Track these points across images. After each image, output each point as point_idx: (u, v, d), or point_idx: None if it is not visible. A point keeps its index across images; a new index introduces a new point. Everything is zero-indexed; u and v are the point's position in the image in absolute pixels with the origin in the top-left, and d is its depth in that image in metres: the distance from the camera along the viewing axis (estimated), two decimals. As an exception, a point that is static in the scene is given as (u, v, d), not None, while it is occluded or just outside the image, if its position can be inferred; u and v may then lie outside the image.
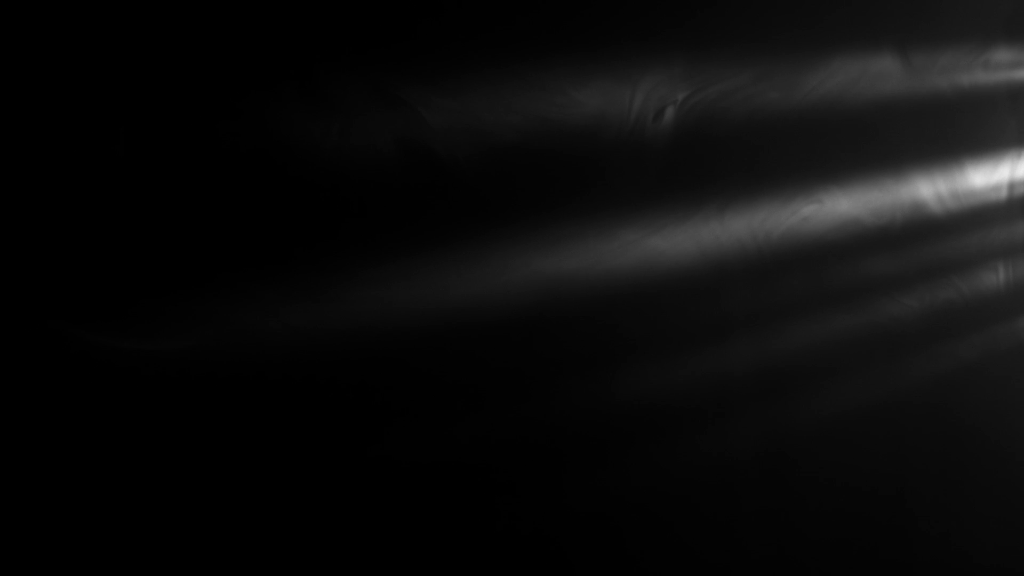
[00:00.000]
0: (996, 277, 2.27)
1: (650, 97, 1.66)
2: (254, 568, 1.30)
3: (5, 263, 1.10)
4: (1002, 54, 2.24)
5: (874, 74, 2.02)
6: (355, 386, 1.37)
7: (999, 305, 2.28)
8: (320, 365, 1.34)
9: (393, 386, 1.41)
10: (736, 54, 1.78)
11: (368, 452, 1.39)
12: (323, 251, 1.34)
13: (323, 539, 1.36)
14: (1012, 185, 2.30)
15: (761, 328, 1.89)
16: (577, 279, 1.59)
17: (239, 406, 1.27)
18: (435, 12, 1.42)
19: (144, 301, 1.19)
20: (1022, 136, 2.31)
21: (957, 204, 2.20)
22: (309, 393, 1.33)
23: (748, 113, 1.81)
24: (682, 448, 1.76)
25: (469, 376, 1.49)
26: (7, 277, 1.10)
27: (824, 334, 1.99)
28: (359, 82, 1.34)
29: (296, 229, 1.31)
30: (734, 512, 1.83)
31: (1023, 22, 2.26)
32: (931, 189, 2.16)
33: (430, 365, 1.45)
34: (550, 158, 1.55)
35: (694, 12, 1.72)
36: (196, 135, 1.21)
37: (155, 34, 1.18)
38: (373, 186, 1.37)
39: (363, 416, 1.39)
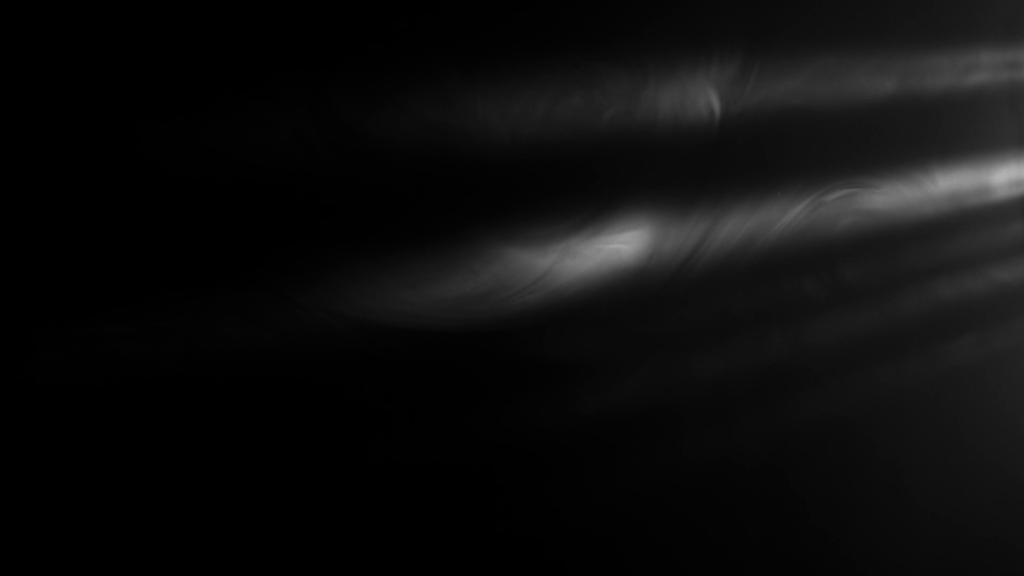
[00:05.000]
0: (994, 277, 2.28)
1: (671, 95, 1.66)
2: (250, 564, 1.30)
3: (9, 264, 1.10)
4: (1002, 54, 2.25)
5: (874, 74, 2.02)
6: (346, 388, 1.37)
7: (996, 305, 2.28)
8: (299, 366, 1.33)
9: (386, 388, 1.41)
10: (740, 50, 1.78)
11: (364, 454, 1.39)
12: (316, 253, 1.33)
13: (315, 540, 1.36)
14: (1010, 185, 2.31)
15: (763, 329, 1.89)
16: (576, 279, 1.59)
17: (235, 407, 1.27)
18: (438, 9, 1.41)
19: (146, 300, 1.19)
20: (1022, 136, 2.31)
21: (955, 205, 2.20)
22: (303, 395, 1.33)
23: (759, 111, 1.81)
24: (676, 453, 1.76)
25: (462, 378, 1.49)
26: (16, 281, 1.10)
27: (825, 334, 1.99)
28: (352, 81, 1.34)
29: (285, 231, 1.30)
30: (729, 517, 1.83)
31: (1023, 22, 2.26)
32: (938, 187, 2.16)
33: (424, 367, 1.44)
34: (547, 156, 1.55)
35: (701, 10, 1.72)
36: (195, 135, 1.21)
37: (145, 39, 1.18)
38: (366, 187, 1.37)
39: (357, 418, 1.38)
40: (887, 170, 2.08)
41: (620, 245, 1.64)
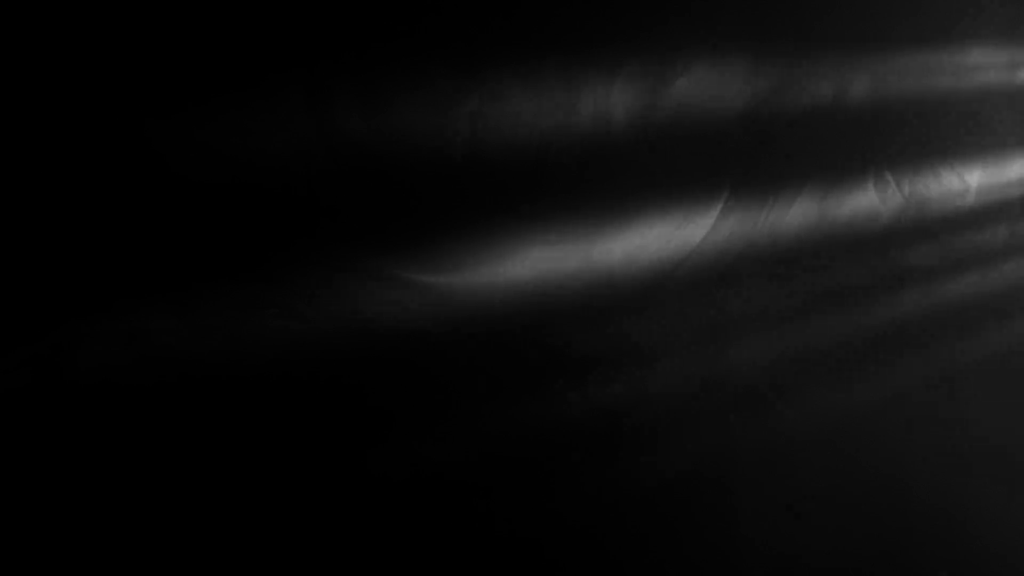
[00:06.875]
0: (996, 276, 2.27)
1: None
2: (251, 559, 1.31)
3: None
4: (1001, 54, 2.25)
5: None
6: (343, 388, 1.37)
7: (998, 304, 2.28)
8: (322, 365, 1.34)
9: (383, 389, 1.41)
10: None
11: (363, 454, 1.39)
12: (310, 254, 1.34)
13: (315, 537, 1.36)
14: (1011, 185, 2.31)
15: (769, 326, 1.88)
16: (571, 281, 1.59)
17: (238, 406, 1.28)
18: (438, 11, 1.42)
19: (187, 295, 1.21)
20: (1021, 137, 2.31)
21: (956, 203, 2.20)
22: (294, 396, 1.34)
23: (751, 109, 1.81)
24: (677, 454, 1.76)
25: (456, 381, 1.48)
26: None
27: (823, 336, 1.99)
28: (351, 83, 1.34)
29: (279, 234, 1.31)
30: (728, 519, 1.83)
31: (1022, 23, 2.26)
32: (934, 189, 2.16)
33: (417, 369, 1.44)
34: (552, 159, 1.55)
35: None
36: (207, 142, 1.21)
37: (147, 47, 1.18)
38: (367, 190, 1.37)
39: (354, 418, 1.39)
40: (897, 167, 2.09)
41: (636, 242, 1.64)
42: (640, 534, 1.70)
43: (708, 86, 1.73)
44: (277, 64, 1.29)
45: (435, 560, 1.46)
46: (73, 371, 1.15)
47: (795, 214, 1.91)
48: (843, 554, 2.00)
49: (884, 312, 2.08)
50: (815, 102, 1.92)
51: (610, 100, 1.60)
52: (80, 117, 1.14)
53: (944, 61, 2.14)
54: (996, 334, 2.26)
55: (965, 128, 2.21)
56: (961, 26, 2.17)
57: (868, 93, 2.01)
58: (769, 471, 1.89)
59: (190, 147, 1.21)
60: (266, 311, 1.28)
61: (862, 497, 2.03)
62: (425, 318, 1.42)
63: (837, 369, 2.00)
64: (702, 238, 1.75)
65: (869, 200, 2.04)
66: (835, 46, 1.94)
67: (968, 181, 2.21)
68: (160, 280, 1.21)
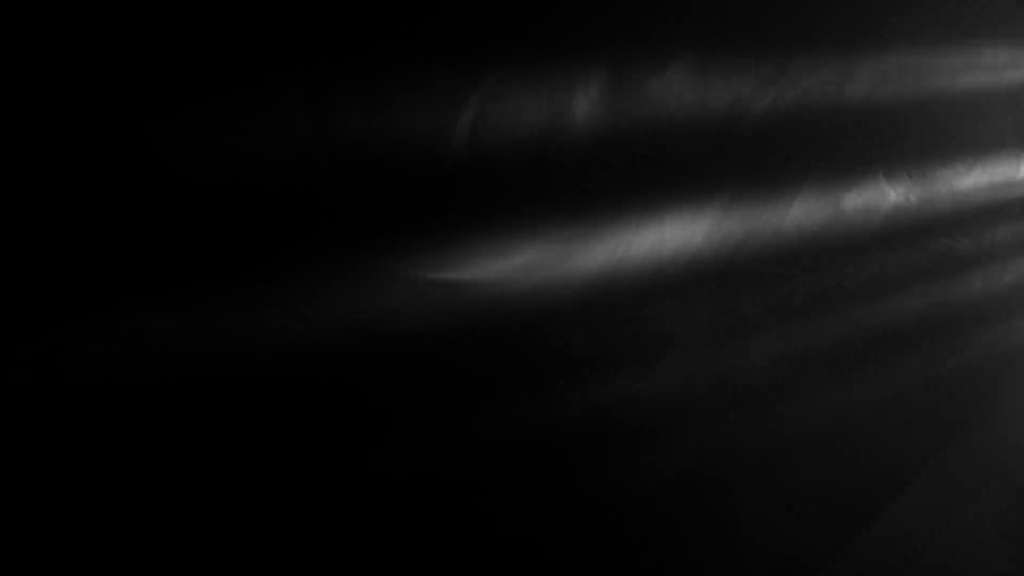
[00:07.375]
0: (997, 276, 2.27)
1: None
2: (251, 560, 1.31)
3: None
4: (1002, 54, 2.25)
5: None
6: (343, 388, 1.37)
7: (998, 305, 2.28)
8: (321, 365, 1.34)
9: (383, 389, 1.41)
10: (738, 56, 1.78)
11: (363, 454, 1.39)
12: (310, 253, 1.34)
13: (315, 537, 1.36)
14: (1011, 185, 2.31)
15: (769, 326, 1.88)
16: (571, 281, 1.59)
17: (238, 406, 1.27)
18: (439, 11, 1.42)
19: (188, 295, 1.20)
20: (1021, 137, 2.31)
21: (956, 203, 2.20)
22: (294, 396, 1.34)
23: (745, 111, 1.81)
24: (675, 454, 1.76)
25: (456, 381, 1.48)
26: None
27: (819, 339, 1.99)
28: (350, 83, 1.34)
29: (279, 234, 1.31)
30: (728, 518, 1.83)
31: (1023, 22, 2.26)
32: (934, 189, 2.16)
33: (417, 370, 1.44)
34: (552, 159, 1.55)
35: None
36: (198, 140, 1.21)
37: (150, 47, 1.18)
38: (367, 190, 1.37)
39: (354, 418, 1.39)
40: (897, 166, 2.08)
41: (636, 242, 1.64)
42: (640, 534, 1.70)
43: (709, 85, 1.73)
44: (277, 64, 1.28)
45: (435, 560, 1.46)
46: (73, 371, 1.15)
47: (795, 214, 1.91)
48: (843, 554, 2.00)
49: (884, 312, 2.08)
50: (815, 102, 1.92)
51: (611, 99, 1.60)
52: (80, 117, 1.14)
53: (944, 60, 2.14)
54: (996, 334, 2.26)
55: (965, 128, 2.21)
56: (961, 25, 2.17)
57: (868, 93, 2.01)
58: (769, 471, 1.89)
59: (190, 147, 1.21)
60: (266, 311, 1.28)
61: (862, 497, 2.03)
62: (425, 318, 1.42)
63: (837, 369, 2.00)
64: (702, 238, 1.75)
65: (869, 199, 2.03)
66: (835, 45, 1.94)
67: (968, 181, 2.21)
68: (160, 280, 1.21)
